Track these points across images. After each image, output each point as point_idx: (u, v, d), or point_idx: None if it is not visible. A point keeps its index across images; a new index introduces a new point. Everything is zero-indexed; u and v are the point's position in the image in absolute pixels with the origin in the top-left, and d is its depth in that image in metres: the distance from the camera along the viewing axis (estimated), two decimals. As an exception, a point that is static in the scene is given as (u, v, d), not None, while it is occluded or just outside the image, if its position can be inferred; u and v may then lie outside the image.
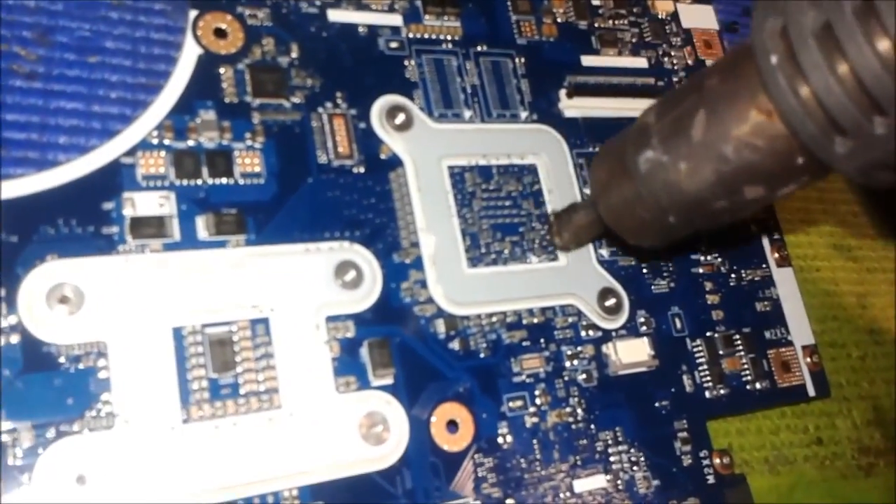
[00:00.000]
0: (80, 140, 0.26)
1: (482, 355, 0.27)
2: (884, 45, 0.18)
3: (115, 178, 0.24)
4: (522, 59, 0.32)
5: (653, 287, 0.31)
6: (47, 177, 0.24)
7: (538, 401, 0.28)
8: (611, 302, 0.30)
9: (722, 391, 0.31)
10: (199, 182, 0.25)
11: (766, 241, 0.35)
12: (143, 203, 0.24)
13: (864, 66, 0.18)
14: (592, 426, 0.28)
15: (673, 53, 0.35)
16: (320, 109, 0.28)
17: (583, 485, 0.27)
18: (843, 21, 0.19)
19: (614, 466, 0.28)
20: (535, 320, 0.29)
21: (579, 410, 0.28)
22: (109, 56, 0.28)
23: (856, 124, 0.19)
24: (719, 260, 0.33)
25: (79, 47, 0.27)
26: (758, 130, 0.22)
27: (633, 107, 0.32)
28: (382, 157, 0.28)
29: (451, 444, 0.26)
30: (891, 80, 0.18)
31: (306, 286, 0.26)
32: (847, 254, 0.40)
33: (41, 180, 0.24)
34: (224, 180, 0.26)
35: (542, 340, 0.29)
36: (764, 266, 0.34)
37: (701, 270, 0.33)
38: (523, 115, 0.31)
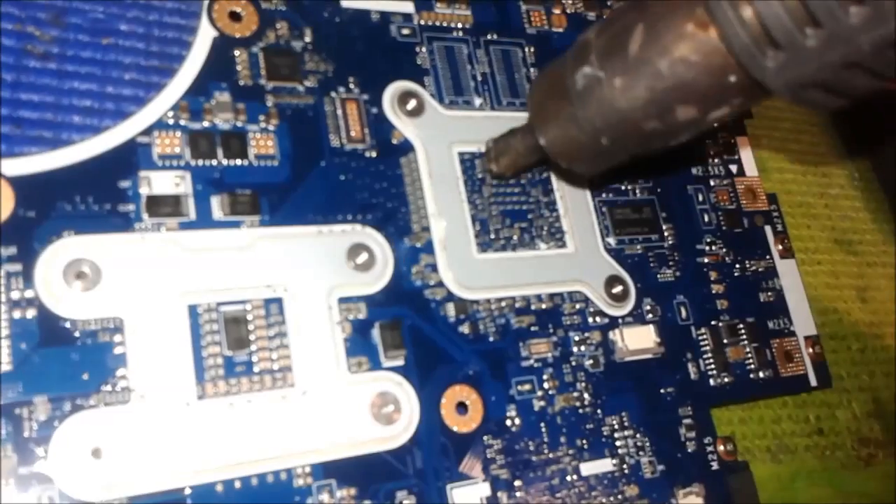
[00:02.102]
0: (93, 120, 0.26)
1: (491, 339, 0.28)
2: None
3: (131, 157, 0.25)
4: (532, 49, 0.32)
5: (658, 276, 0.32)
6: (65, 154, 0.24)
7: (546, 385, 0.28)
8: (618, 289, 0.30)
9: (726, 379, 0.31)
10: (214, 163, 0.25)
11: (769, 232, 0.35)
12: (158, 182, 0.25)
13: None
14: (599, 411, 0.29)
15: (679, 46, 0.36)
16: (333, 94, 0.28)
17: (589, 468, 0.28)
18: None
19: (620, 451, 0.28)
20: (544, 306, 0.29)
21: (586, 395, 0.29)
22: (123, 38, 0.28)
23: (788, 36, 0.19)
24: (724, 250, 0.33)
25: (92, 29, 0.27)
26: (694, 45, 0.22)
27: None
28: (394, 141, 0.29)
29: (460, 425, 0.26)
30: None
31: (319, 267, 0.26)
32: (847, 248, 0.40)
33: (59, 157, 0.24)
34: (238, 161, 0.26)
35: (550, 326, 0.29)
36: (767, 257, 0.34)
37: (706, 260, 0.33)
38: (532, 103, 0.31)
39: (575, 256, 0.30)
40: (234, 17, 0.27)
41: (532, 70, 0.32)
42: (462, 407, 0.27)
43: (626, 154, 0.26)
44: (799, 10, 0.19)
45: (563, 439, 0.28)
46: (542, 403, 0.28)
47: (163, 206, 0.24)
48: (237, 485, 0.23)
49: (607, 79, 0.24)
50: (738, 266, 0.34)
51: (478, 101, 0.30)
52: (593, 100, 0.24)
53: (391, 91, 0.29)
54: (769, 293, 0.34)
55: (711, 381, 0.31)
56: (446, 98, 0.30)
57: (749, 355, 0.32)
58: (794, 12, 0.19)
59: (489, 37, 0.32)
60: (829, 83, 0.20)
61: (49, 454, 0.21)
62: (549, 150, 0.27)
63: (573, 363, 0.29)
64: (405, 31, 0.30)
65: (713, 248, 0.33)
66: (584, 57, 0.24)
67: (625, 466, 0.28)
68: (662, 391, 0.30)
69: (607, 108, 0.24)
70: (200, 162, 0.25)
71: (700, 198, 0.34)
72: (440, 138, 0.29)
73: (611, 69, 0.24)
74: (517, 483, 0.26)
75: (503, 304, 0.28)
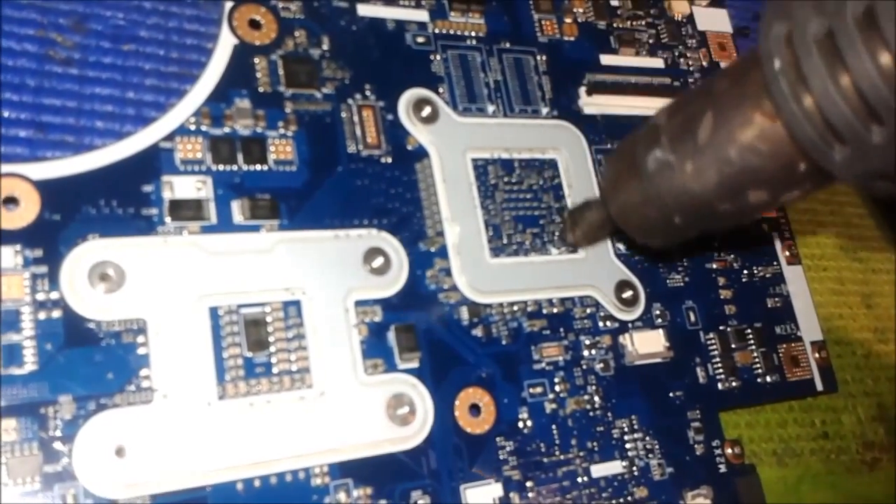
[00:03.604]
0: (115, 125, 0.27)
1: (504, 342, 0.28)
2: (883, 56, 0.18)
3: (154, 162, 0.25)
4: (544, 57, 0.33)
5: (668, 281, 0.32)
6: (89, 158, 0.24)
7: (557, 388, 0.29)
8: (628, 294, 0.31)
9: (734, 383, 0.32)
10: (235, 168, 0.26)
11: (777, 239, 0.35)
12: (181, 186, 0.25)
13: (863, 76, 0.19)
14: (609, 414, 0.29)
15: (688, 55, 0.36)
16: (350, 101, 0.29)
17: (599, 470, 0.28)
18: (844, 30, 0.19)
19: (630, 453, 0.29)
20: (555, 310, 0.29)
21: (597, 398, 0.29)
22: (143, 45, 0.28)
23: (853, 132, 0.20)
24: (732, 256, 0.34)
25: (113, 35, 0.28)
26: (761, 134, 0.22)
27: (649, 105, 0.33)
28: (409, 148, 0.29)
29: (473, 427, 0.27)
30: (888, 91, 0.18)
31: (336, 271, 0.26)
32: (853, 255, 0.41)
33: (83, 161, 0.24)
34: (258, 167, 0.26)
35: (561, 330, 0.29)
36: (775, 263, 0.35)
37: (714, 266, 0.33)
38: (544, 110, 0.32)
39: (586, 261, 0.31)
40: (254, 25, 0.28)
41: (544, 77, 0.32)
42: (475, 409, 0.27)
43: (698, 230, 0.26)
44: (862, 107, 0.19)
45: (573, 441, 0.28)
46: (554, 406, 0.28)
47: (185, 210, 0.25)
48: (257, 483, 0.23)
49: (678, 163, 0.24)
50: (745, 272, 0.34)
51: (491, 109, 0.31)
52: (665, 182, 0.25)
53: (406, 98, 0.29)
54: (776, 299, 0.34)
55: (719, 385, 0.32)
56: (460, 105, 0.30)
57: (756, 360, 0.33)
58: (857, 109, 0.19)
59: (502, 45, 0.32)
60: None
61: (73, 453, 0.22)
62: (622, 226, 0.27)
63: (584, 366, 0.29)
64: (420, 40, 0.31)
65: (721, 254, 0.34)
66: (655, 140, 0.25)
67: (634, 468, 0.29)
68: (671, 395, 0.30)
69: (679, 191, 0.24)
70: (221, 167, 0.26)
71: (708, 204, 0.34)
72: (454, 144, 0.30)
73: (682, 154, 0.24)
74: (529, 484, 0.27)
75: (515, 307, 0.29)
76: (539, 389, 0.28)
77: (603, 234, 0.31)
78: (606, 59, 0.34)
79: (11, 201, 0.23)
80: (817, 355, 0.34)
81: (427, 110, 0.30)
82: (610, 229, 0.29)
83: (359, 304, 0.26)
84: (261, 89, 0.27)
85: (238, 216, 0.25)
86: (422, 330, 0.27)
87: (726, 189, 0.24)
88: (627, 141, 0.27)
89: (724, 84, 0.24)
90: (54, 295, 0.23)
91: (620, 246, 0.32)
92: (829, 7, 0.19)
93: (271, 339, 0.25)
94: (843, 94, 0.19)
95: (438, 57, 0.31)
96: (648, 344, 0.30)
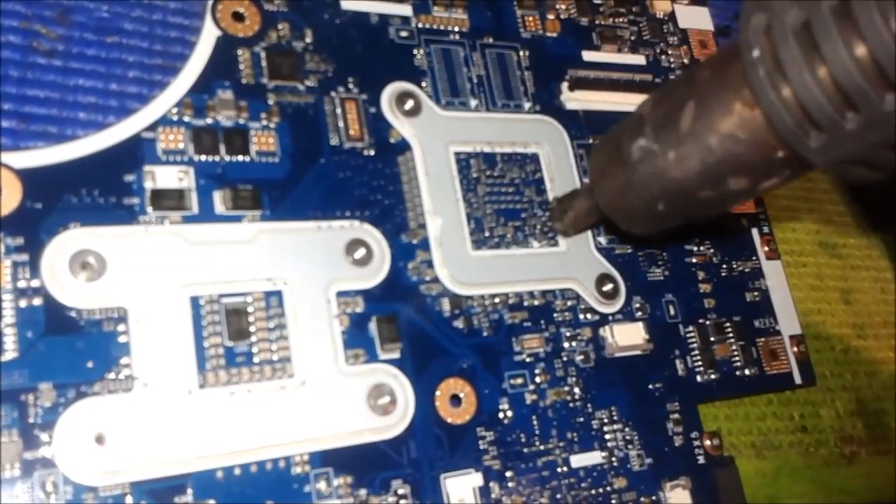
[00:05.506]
0: (97, 117, 0.27)
1: (485, 334, 0.28)
2: (858, 46, 0.19)
3: (136, 152, 0.25)
4: (526, 52, 0.33)
5: (648, 274, 0.32)
6: (72, 147, 0.25)
7: (538, 379, 0.29)
8: (608, 287, 0.31)
9: (713, 376, 0.32)
10: (217, 158, 0.26)
11: (756, 234, 0.36)
12: (163, 176, 0.25)
13: (839, 66, 0.19)
14: (589, 405, 0.29)
15: (669, 52, 0.37)
16: (333, 93, 0.29)
17: (579, 460, 0.28)
18: (820, 20, 0.20)
19: (609, 444, 0.29)
20: (536, 302, 0.30)
21: (577, 390, 0.29)
22: (127, 37, 0.28)
23: (828, 120, 0.20)
24: (711, 251, 0.34)
25: (97, 27, 0.28)
26: (741, 123, 0.23)
27: (631, 101, 0.34)
28: (392, 141, 0.29)
29: (454, 417, 0.27)
30: (863, 80, 0.19)
31: (318, 262, 0.26)
32: (832, 251, 0.41)
33: (66, 150, 0.24)
34: (240, 157, 0.26)
35: (542, 322, 0.30)
36: (754, 258, 0.35)
37: (694, 260, 0.34)
38: (527, 105, 0.32)
39: (567, 255, 0.31)
40: (238, 17, 0.28)
41: (526, 73, 0.33)
42: (456, 399, 0.27)
43: (682, 218, 0.27)
44: (837, 95, 0.20)
45: (553, 432, 0.28)
46: (534, 397, 0.28)
47: (166, 200, 0.25)
48: (237, 472, 0.23)
49: (661, 151, 0.25)
50: (725, 266, 0.34)
51: (473, 103, 0.31)
52: (648, 170, 0.25)
53: (389, 91, 0.30)
54: (755, 293, 0.35)
55: (698, 378, 0.32)
56: (443, 99, 0.31)
57: (735, 353, 0.33)
58: (832, 97, 0.20)
59: (485, 40, 0.32)
60: (870, 161, 0.21)
61: (53, 440, 0.22)
62: (608, 213, 0.28)
63: (564, 358, 0.29)
64: (403, 34, 0.31)
65: (701, 248, 0.34)
66: (639, 130, 0.26)
67: (613, 459, 0.29)
68: (651, 387, 0.31)
69: (662, 178, 0.25)
70: (203, 157, 0.26)
71: (689, 199, 0.35)
72: (436, 138, 0.30)
73: (665, 142, 0.25)
74: (508, 474, 0.27)
75: (497, 300, 0.29)
76: (520, 380, 0.28)
77: (590, 222, 0.31)
78: (589, 56, 0.35)
79: (-7, 190, 0.23)
80: (796, 349, 0.34)
81: (410, 104, 0.30)
82: (597, 217, 0.30)
83: (340, 294, 0.26)
84: (244, 81, 0.27)
85: (220, 206, 0.26)
86: (403, 321, 0.27)
87: (707, 176, 0.24)
88: (613, 130, 0.27)
89: (705, 74, 0.24)
90: (35, 283, 0.23)
91: (601, 240, 0.32)
92: None
93: (252, 328, 0.25)
94: (819, 82, 0.20)
95: (422, 51, 0.31)
96: (628, 336, 0.30)
